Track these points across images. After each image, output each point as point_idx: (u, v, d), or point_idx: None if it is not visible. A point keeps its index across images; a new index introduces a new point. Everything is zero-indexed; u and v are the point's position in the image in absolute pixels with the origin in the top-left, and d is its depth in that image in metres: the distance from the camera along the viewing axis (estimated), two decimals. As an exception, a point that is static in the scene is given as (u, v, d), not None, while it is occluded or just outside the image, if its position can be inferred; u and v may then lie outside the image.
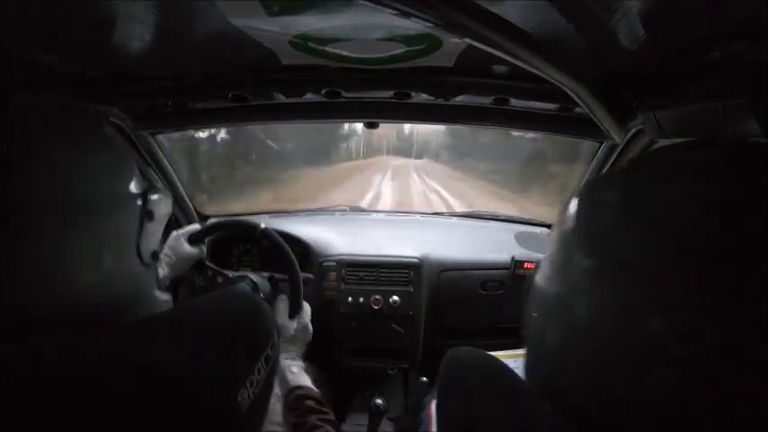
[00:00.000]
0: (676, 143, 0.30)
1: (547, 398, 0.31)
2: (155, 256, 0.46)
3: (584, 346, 0.27)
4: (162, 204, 0.48)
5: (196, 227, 0.96)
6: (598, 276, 0.27)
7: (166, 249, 0.88)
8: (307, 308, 0.90)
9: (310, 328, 0.89)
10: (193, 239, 0.92)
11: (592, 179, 0.32)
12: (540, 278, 0.34)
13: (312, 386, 0.74)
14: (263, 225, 0.92)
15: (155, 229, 0.46)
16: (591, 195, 0.32)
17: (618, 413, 0.25)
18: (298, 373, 0.76)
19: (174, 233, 0.91)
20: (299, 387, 0.72)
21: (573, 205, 0.31)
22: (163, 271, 0.85)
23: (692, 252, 0.23)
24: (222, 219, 1.20)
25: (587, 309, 0.27)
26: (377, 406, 1.08)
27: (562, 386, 0.29)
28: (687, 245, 0.23)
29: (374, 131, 1.02)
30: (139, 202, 0.43)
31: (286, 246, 0.90)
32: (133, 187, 0.43)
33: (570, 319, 0.28)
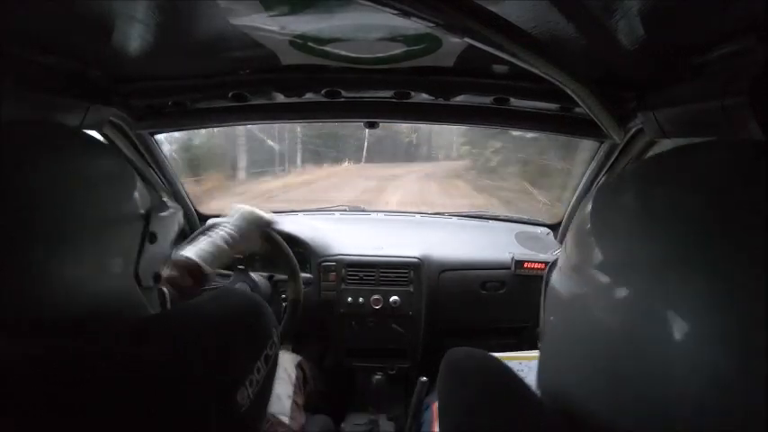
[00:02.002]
0: (691, 144, 0.30)
1: (560, 399, 0.30)
2: (157, 278, 0.44)
3: (604, 350, 0.26)
4: (169, 221, 0.46)
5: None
6: (617, 279, 0.26)
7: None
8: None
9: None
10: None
11: (605, 181, 0.32)
12: (555, 280, 0.34)
13: (291, 393, 0.75)
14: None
15: (158, 251, 0.44)
16: (605, 196, 0.31)
17: (637, 416, 0.25)
18: (277, 379, 0.77)
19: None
20: (270, 416, 0.73)
21: (587, 206, 0.31)
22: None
23: (709, 253, 0.23)
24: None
25: (606, 312, 0.26)
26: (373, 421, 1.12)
27: (579, 389, 0.29)
28: (704, 246, 0.23)
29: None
30: (140, 223, 0.41)
31: (289, 252, 0.91)
32: (133, 207, 0.41)
33: (589, 323, 0.28)
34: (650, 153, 0.95)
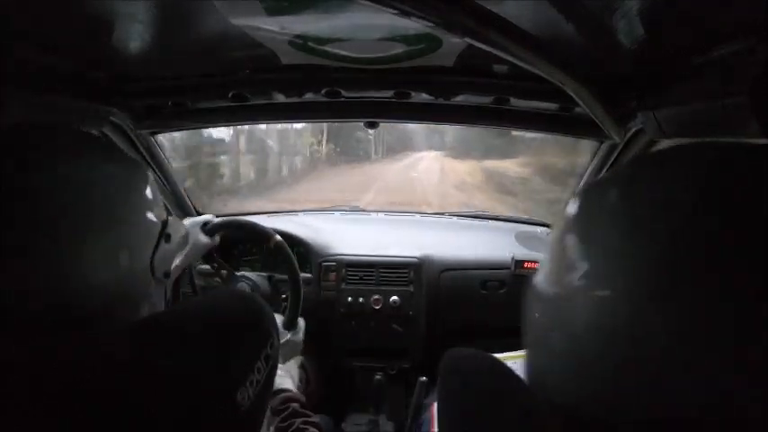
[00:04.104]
0: (674, 144, 0.30)
1: (548, 400, 0.31)
2: (167, 275, 0.48)
3: (588, 349, 0.27)
4: (180, 229, 0.50)
5: (210, 217, 0.95)
6: (598, 278, 0.26)
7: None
8: (301, 323, 0.91)
9: (301, 344, 0.91)
10: (210, 230, 0.91)
11: (590, 181, 0.32)
12: (540, 280, 0.34)
13: (295, 390, 0.75)
14: (278, 237, 0.93)
15: (171, 252, 0.48)
16: (590, 197, 0.31)
17: (621, 416, 0.25)
18: (282, 376, 0.77)
19: (189, 220, 0.90)
20: (283, 390, 0.72)
21: (572, 207, 0.31)
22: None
23: (692, 253, 0.23)
24: (236, 218, 1.19)
25: (589, 311, 0.27)
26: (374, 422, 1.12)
27: (564, 388, 0.29)
28: (686, 246, 0.23)
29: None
30: (158, 221, 0.45)
31: (295, 263, 0.91)
32: (152, 208, 0.44)
33: (572, 321, 0.28)
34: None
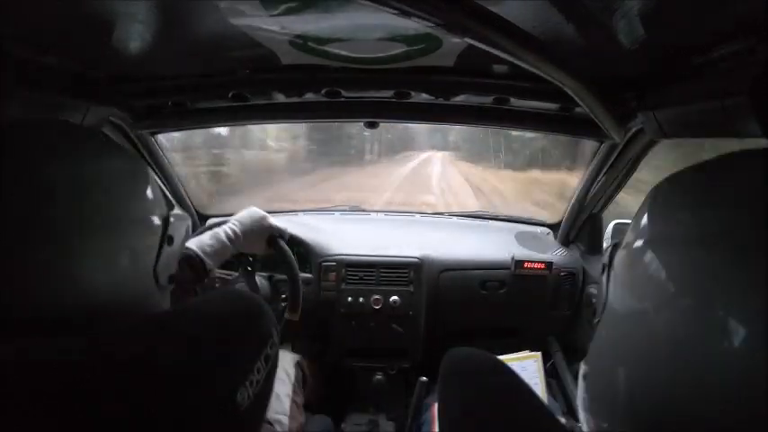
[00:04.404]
0: (757, 148, 0.29)
1: (637, 424, 0.29)
2: (171, 279, 0.47)
3: (666, 361, 0.26)
4: (182, 226, 0.49)
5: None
6: (681, 289, 0.26)
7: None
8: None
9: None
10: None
11: (662, 185, 0.31)
12: (613, 296, 0.33)
13: (291, 390, 0.75)
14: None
15: (173, 255, 0.47)
16: (662, 208, 0.31)
17: (692, 416, 0.25)
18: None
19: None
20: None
21: (644, 214, 0.31)
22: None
23: None
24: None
25: (668, 323, 0.26)
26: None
27: (637, 401, 0.28)
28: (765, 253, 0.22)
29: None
30: (159, 223, 0.44)
31: (294, 262, 0.90)
32: (155, 208, 0.43)
33: (650, 334, 0.27)
34: (649, 153, 0.95)
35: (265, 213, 0.89)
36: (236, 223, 0.84)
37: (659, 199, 0.31)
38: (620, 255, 0.33)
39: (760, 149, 0.28)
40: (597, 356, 0.35)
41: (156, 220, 0.44)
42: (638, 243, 0.30)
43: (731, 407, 0.23)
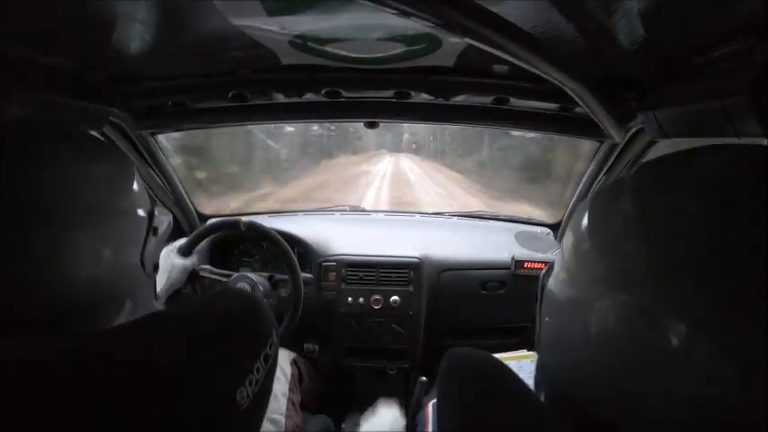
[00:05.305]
0: (691, 148, 0.30)
1: (560, 401, 0.31)
2: (156, 268, 0.51)
3: (601, 352, 0.27)
4: (165, 221, 0.54)
5: (182, 241, 0.99)
6: (612, 283, 0.26)
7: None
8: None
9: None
10: (183, 251, 0.95)
11: (604, 185, 0.33)
12: (552, 283, 0.34)
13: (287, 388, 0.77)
14: (245, 219, 0.95)
15: (158, 245, 0.51)
16: (603, 201, 0.31)
17: (634, 416, 0.25)
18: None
19: (163, 251, 0.95)
20: None
21: (585, 210, 0.31)
22: (159, 287, 0.88)
23: (703, 258, 0.23)
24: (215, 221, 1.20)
25: (603, 314, 0.27)
26: None
27: (577, 390, 0.29)
28: (698, 251, 0.23)
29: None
30: (145, 215, 0.47)
31: (275, 233, 0.93)
32: (140, 201, 0.46)
33: (585, 325, 0.28)
34: (649, 153, 0.95)
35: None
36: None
37: (598, 201, 0.33)
38: (562, 255, 0.35)
39: (683, 151, 0.30)
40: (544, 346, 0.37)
41: (142, 212, 0.46)
42: (581, 244, 0.32)
43: (655, 386, 0.24)
